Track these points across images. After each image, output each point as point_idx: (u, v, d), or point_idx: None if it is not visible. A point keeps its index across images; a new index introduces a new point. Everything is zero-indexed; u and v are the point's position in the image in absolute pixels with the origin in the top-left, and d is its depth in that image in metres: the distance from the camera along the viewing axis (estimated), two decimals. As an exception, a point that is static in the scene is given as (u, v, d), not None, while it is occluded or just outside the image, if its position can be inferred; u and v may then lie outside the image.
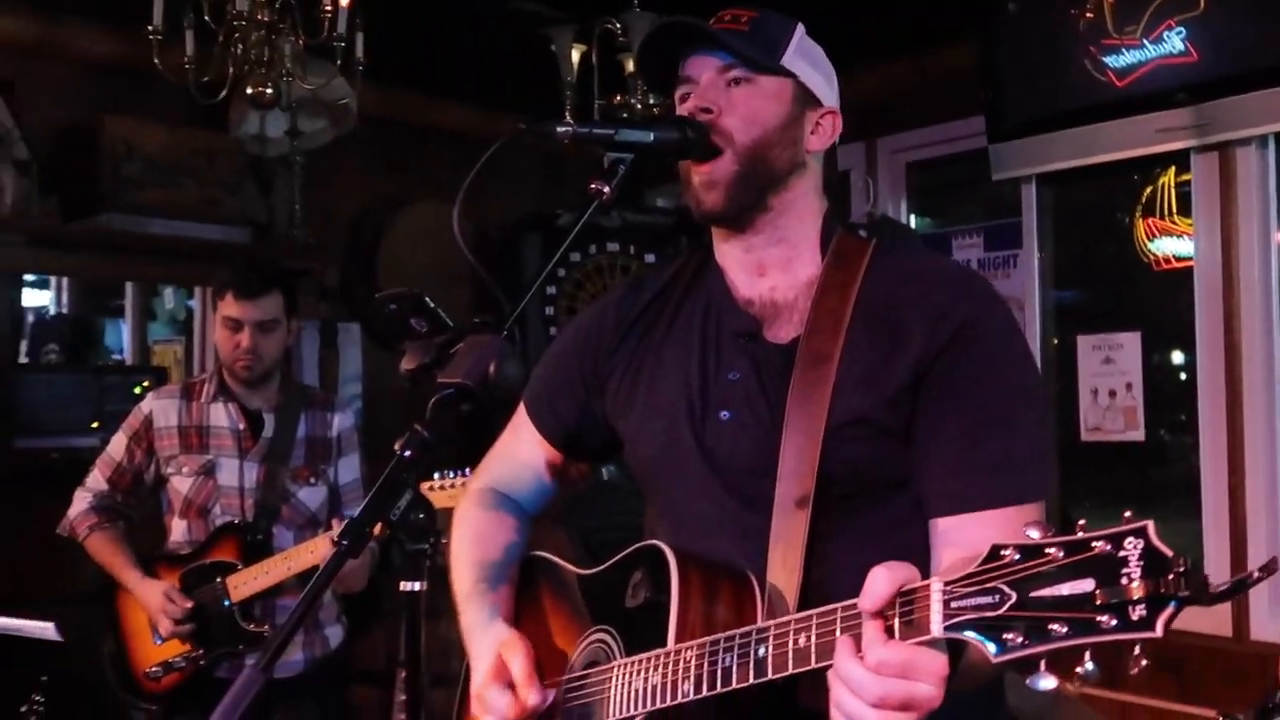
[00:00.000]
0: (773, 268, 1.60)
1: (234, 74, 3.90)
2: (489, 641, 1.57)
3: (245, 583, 3.05)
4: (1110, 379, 4.06)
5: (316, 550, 2.98)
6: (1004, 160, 4.16)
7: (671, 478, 1.60)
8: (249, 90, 3.91)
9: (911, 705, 1.12)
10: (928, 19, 4.25)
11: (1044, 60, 4.02)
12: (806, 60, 1.60)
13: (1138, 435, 4.00)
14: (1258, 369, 3.68)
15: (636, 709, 1.39)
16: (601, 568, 1.59)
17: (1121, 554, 0.98)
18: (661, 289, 1.71)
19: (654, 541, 1.47)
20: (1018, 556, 1.04)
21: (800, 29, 1.61)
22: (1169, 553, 0.96)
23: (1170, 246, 4.13)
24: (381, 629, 4.29)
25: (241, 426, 3.18)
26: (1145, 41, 3.78)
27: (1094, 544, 0.99)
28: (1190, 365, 3.91)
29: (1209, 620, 3.63)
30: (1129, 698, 3.62)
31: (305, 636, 3.19)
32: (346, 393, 4.71)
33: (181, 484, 3.15)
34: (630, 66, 4.28)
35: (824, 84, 1.61)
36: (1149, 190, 4.20)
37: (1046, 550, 1.02)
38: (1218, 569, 3.60)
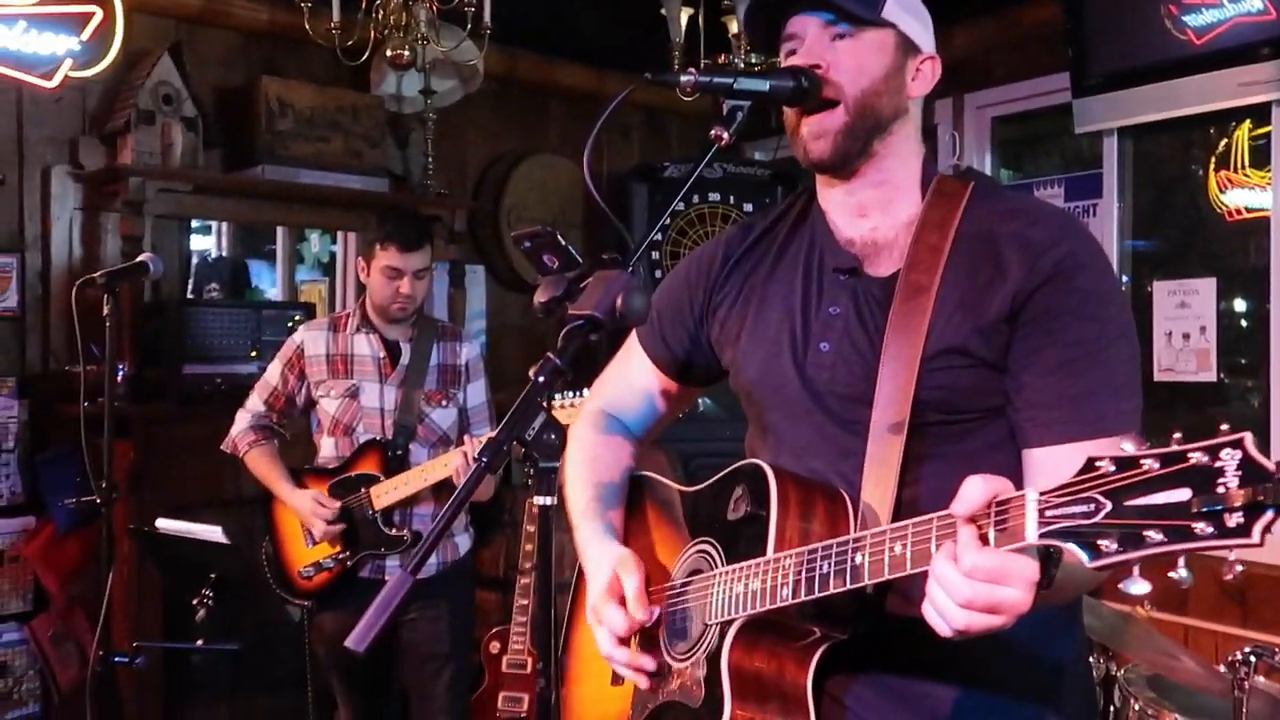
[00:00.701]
0: (873, 209, 1.57)
1: (375, 38, 3.93)
2: (606, 558, 1.58)
3: (386, 493, 3.14)
4: (1185, 323, 3.93)
5: (449, 464, 3.04)
6: (1087, 114, 4.02)
7: (774, 403, 1.58)
8: (388, 53, 3.95)
9: (999, 609, 1.11)
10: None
11: (1126, 18, 3.87)
12: (905, 9, 1.54)
13: (1210, 376, 3.88)
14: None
15: (737, 611, 1.40)
16: (704, 485, 1.59)
17: (1218, 464, 0.93)
18: (768, 228, 1.69)
19: (754, 460, 1.46)
20: (1113, 468, 1.00)
21: None
22: (1267, 463, 0.92)
23: (1242, 199, 3.97)
24: (502, 539, 4.37)
25: (382, 355, 3.25)
26: (1225, 1, 3.61)
27: (1190, 455, 0.95)
28: (1259, 312, 3.76)
29: (1273, 552, 3.51)
30: (1194, 621, 3.54)
31: (440, 543, 3.26)
32: (472, 327, 4.76)
33: (330, 405, 3.23)
34: (734, 28, 4.22)
35: (921, 31, 1.56)
36: (1223, 144, 4.03)
37: (1142, 462, 0.98)
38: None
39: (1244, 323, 3.98)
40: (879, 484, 1.43)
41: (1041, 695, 1.48)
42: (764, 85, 1.49)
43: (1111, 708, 2.65)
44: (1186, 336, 3.91)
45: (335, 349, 3.27)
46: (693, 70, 1.48)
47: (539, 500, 1.35)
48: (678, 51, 4.19)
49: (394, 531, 3.16)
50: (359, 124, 4.28)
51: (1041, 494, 1.05)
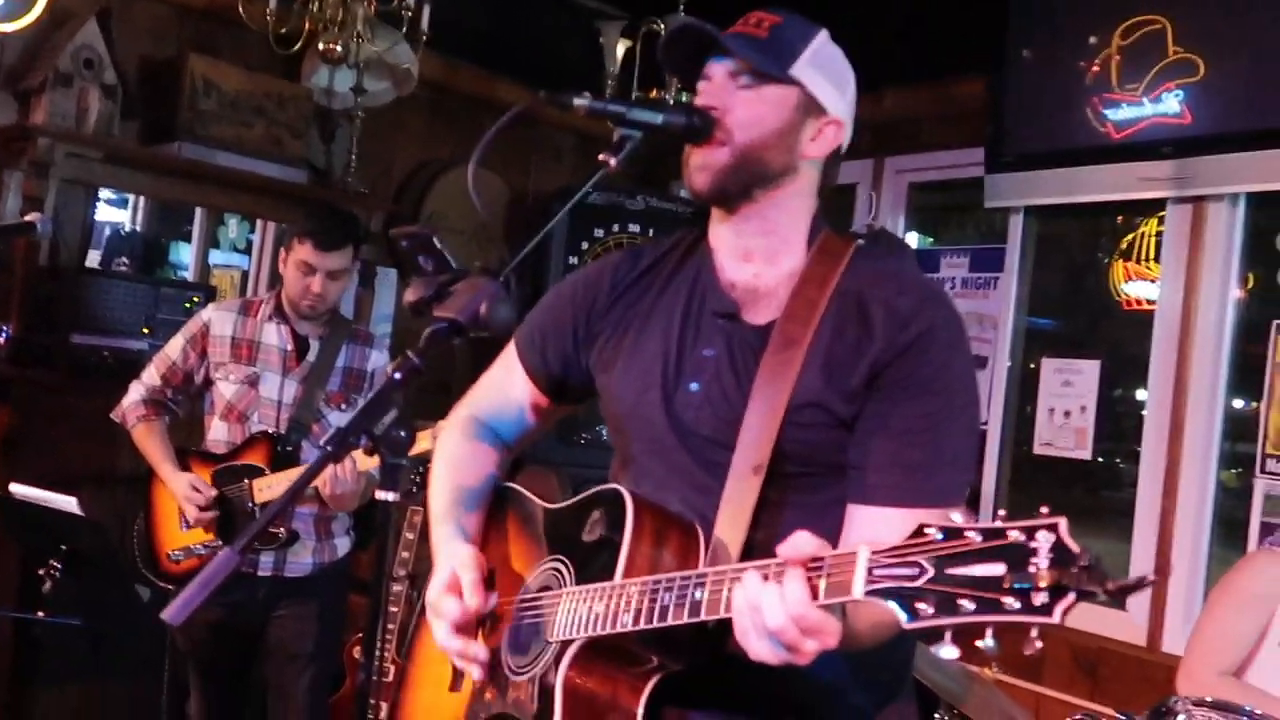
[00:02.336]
0: (758, 255, 1.60)
1: (310, 29, 3.91)
2: (449, 558, 1.60)
3: (269, 486, 3.09)
4: (1067, 400, 4.04)
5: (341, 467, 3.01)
6: (997, 190, 4.14)
7: (639, 436, 1.61)
8: (321, 46, 3.93)
9: (796, 652, 1.18)
10: (948, 51, 4.21)
11: (1050, 103, 3.99)
12: (820, 70, 1.57)
13: (1085, 454, 3.99)
14: (1201, 409, 3.67)
15: (578, 632, 1.41)
16: (565, 504, 1.60)
17: (1033, 544, 0.99)
18: (657, 260, 1.71)
19: (616, 486, 1.48)
20: (940, 536, 1.06)
21: (821, 37, 1.59)
22: (1076, 548, 0.98)
23: (1141, 290, 4.10)
24: (378, 542, 4.31)
25: (289, 347, 3.21)
26: (1145, 100, 3.75)
27: (1009, 533, 1.01)
28: (1141, 399, 3.89)
29: (1127, 630, 3.63)
30: (1044, 690, 3.62)
31: (317, 544, 3.23)
32: (377, 331, 4.71)
33: (226, 389, 3.18)
34: (669, 65, 4.27)
35: (834, 94, 1.58)
36: (1130, 235, 4.17)
37: (966, 533, 1.04)
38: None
39: (1128, 408, 4.10)
40: (732, 523, 1.46)
41: None
42: (657, 118, 1.51)
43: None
44: (1067, 414, 4.02)
45: (242, 333, 3.22)
46: (587, 94, 1.50)
47: (380, 495, 1.35)
48: (611, 80, 4.23)
49: (271, 527, 3.08)
50: (284, 113, 4.23)
51: (874, 553, 1.10)
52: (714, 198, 1.58)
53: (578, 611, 1.41)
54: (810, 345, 1.49)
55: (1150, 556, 3.66)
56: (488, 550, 1.66)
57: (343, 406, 3.23)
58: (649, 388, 1.59)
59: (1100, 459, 4.07)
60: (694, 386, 1.56)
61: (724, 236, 1.63)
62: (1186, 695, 2.43)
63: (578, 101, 1.48)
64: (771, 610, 1.16)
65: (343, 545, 3.32)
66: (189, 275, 5.64)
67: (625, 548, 1.40)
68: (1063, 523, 0.99)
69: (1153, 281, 4.05)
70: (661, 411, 1.57)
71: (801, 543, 1.18)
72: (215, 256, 5.91)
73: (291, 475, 3.07)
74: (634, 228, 4.95)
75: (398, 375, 1.32)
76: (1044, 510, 1.01)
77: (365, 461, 2.98)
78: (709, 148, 1.54)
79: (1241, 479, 3.68)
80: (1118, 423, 4.08)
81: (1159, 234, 4.05)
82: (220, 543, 3.11)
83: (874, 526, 1.42)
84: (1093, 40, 3.90)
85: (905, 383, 1.46)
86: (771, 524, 1.47)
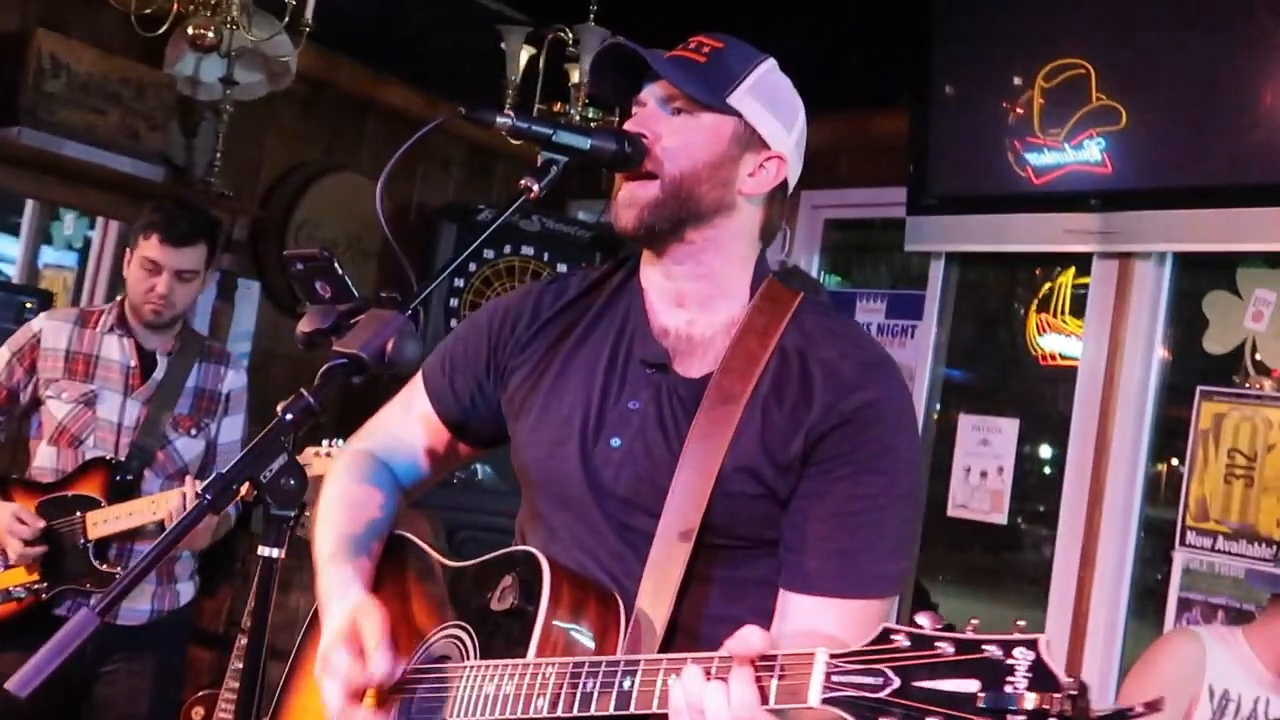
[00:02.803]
0: (692, 302, 1.58)
1: (177, 11, 3.78)
2: (344, 605, 1.52)
3: (106, 521, 2.94)
4: (984, 460, 4.13)
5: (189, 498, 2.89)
6: (919, 233, 4.22)
7: (552, 491, 1.57)
8: (190, 30, 3.80)
9: None
10: (871, 82, 4.29)
11: (971, 144, 4.09)
12: (762, 100, 1.55)
13: (1000, 518, 4.08)
14: (1122, 472, 3.78)
15: (483, 714, 1.35)
16: (470, 563, 1.56)
17: (1010, 662, 0.98)
18: (583, 293, 1.67)
19: (530, 549, 1.43)
20: (907, 643, 1.04)
21: (766, 65, 1.57)
22: (1059, 672, 0.97)
23: (1057, 344, 4.22)
24: (228, 591, 4.16)
25: (133, 363, 3.08)
26: (1066, 145, 3.87)
27: (985, 647, 1.00)
28: (1058, 460, 3.99)
29: None
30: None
31: (157, 588, 3.09)
32: (235, 349, 4.56)
33: (58, 409, 3.03)
34: (575, 77, 4.26)
35: (777, 127, 1.57)
36: (1047, 287, 4.29)
37: (937, 643, 1.02)
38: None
39: (1045, 469, 4.21)
40: (656, 596, 1.43)
41: None
42: (585, 142, 1.49)
43: None
44: (984, 474, 4.11)
45: (79, 346, 3.07)
46: (511, 113, 1.48)
47: (264, 551, 1.28)
48: (512, 90, 4.20)
49: (105, 567, 2.95)
50: (143, 101, 4.09)
51: (832, 656, 1.08)
52: (642, 237, 1.55)
53: (483, 690, 1.36)
54: (748, 404, 1.48)
55: (1066, 625, 3.75)
56: None
57: (192, 432, 3.11)
58: (565, 440, 1.55)
59: (1020, 522, 4.17)
60: (616, 442, 1.52)
61: (654, 278, 1.60)
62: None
63: (500, 120, 1.44)
64: (715, 712, 1.13)
65: (186, 591, 3.19)
66: (13, 276, 5.40)
67: (540, 621, 1.36)
68: (1043, 640, 0.99)
69: (1067, 336, 4.18)
70: (578, 467, 1.53)
71: (751, 637, 1.14)
72: (46, 255, 5.68)
73: (132, 509, 2.94)
74: (527, 250, 4.92)
75: (289, 416, 1.27)
76: (1020, 624, 1.00)
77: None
78: (637, 181, 1.53)
79: (1157, 547, 3.80)
80: (1031, 482, 4.18)
81: (1076, 287, 4.18)
82: (45, 584, 2.94)
83: (810, 617, 1.41)
84: (1017, 81, 4.02)
85: (845, 459, 1.44)
86: (695, 600, 1.45)
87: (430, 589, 1.60)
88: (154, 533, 3.01)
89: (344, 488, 1.70)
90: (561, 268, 4.92)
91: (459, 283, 4.85)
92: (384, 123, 5.05)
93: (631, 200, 1.52)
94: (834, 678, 1.07)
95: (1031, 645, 0.98)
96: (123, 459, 3.02)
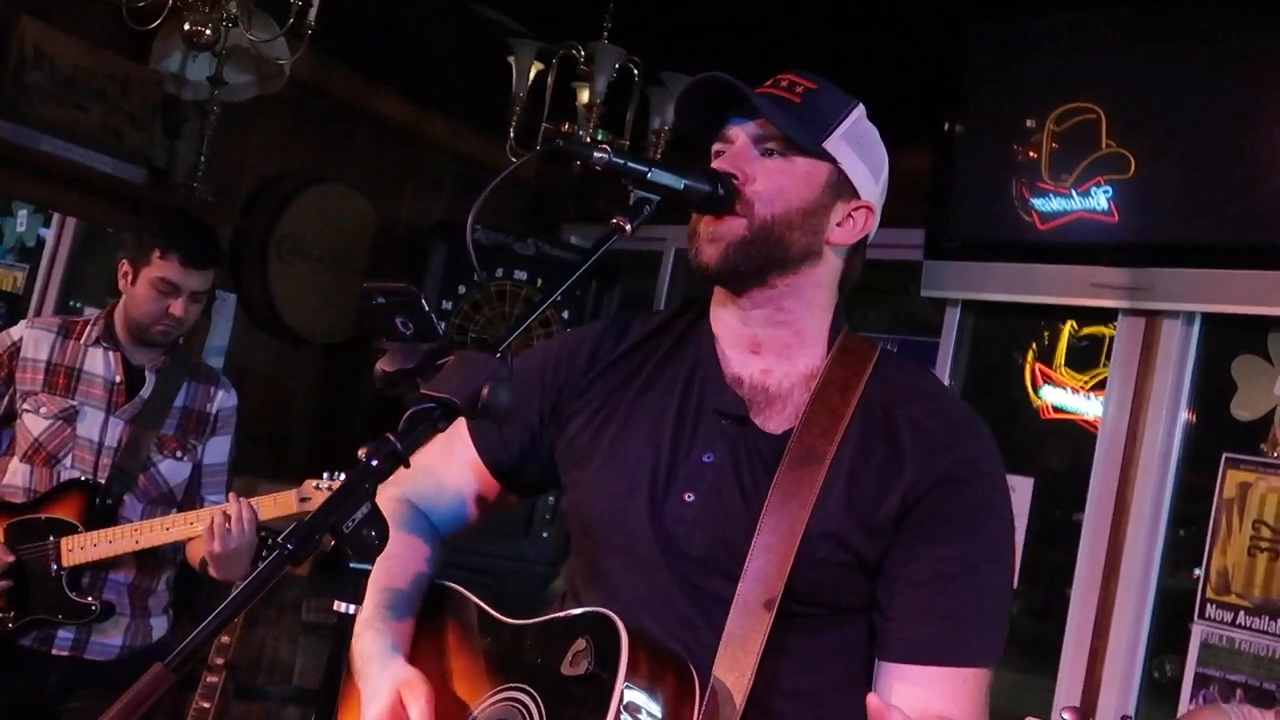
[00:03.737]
0: (769, 350, 1.57)
1: (172, 5, 3.75)
2: (388, 678, 1.49)
3: (82, 548, 2.88)
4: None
5: (173, 528, 2.83)
6: (936, 278, 4.24)
7: (615, 547, 1.55)
8: (185, 26, 3.77)
9: None
10: (893, 120, 4.31)
11: (985, 188, 4.13)
12: (855, 146, 1.57)
13: (1011, 580, 4.08)
14: (1141, 538, 3.79)
15: (554, 783, 1.33)
16: (533, 621, 1.53)
17: None
18: (646, 337, 1.66)
19: (605, 611, 1.41)
20: None
21: (859, 112, 1.59)
22: None
23: (1054, 397, 4.25)
24: (191, 625, 4.10)
25: (118, 379, 3.02)
26: (1074, 192, 3.93)
27: None
28: (1065, 520, 4.01)
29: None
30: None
31: (131, 621, 3.03)
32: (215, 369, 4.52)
33: (35, 424, 2.96)
34: (584, 97, 4.26)
35: (867, 175, 1.58)
36: (1046, 336, 4.32)
37: None
38: None
39: (1042, 529, 4.21)
40: (734, 668, 1.41)
41: None
42: (680, 183, 1.49)
43: None
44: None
45: (61, 358, 3.01)
46: (607, 147, 1.47)
47: (339, 606, 1.25)
48: (519, 107, 4.19)
49: (79, 597, 2.88)
50: (128, 99, 4.05)
51: None
52: (724, 275, 1.55)
53: None
54: (833, 465, 1.47)
55: (1076, 697, 3.76)
56: (420, 661, 1.56)
57: (179, 454, 3.05)
58: (633, 491, 1.53)
59: (1031, 586, 4.18)
60: (690, 497, 1.51)
61: (728, 323, 1.60)
62: None
63: (598, 155, 1.44)
64: None
65: (159, 626, 3.13)
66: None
67: (618, 690, 1.33)
68: None
69: (1063, 388, 4.20)
70: (646, 522, 1.51)
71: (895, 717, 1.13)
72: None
73: (113, 536, 2.88)
74: (520, 274, 4.90)
75: (374, 461, 1.24)
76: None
77: (268, 508, 2.82)
78: (724, 217, 1.52)
79: (1174, 618, 3.82)
80: (1047, 542, 4.18)
81: (1075, 339, 4.22)
82: (12, 614, 2.87)
83: (919, 688, 1.40)
84: (1029, 123, 4.08)
85: (943, 521, 1.45)
86: (769, 671, 1.43)
87: (484, 646, 1.57)
88: (132, 562, 2.96)
89: None
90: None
91: (447, 305, 4.82)
92: (375, 133, 5.02)
93: (717, 235, 1.52)
94: None
95: None
96: (102, 481, 2.95)
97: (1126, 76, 3.86)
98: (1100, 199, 3.87)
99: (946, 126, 4.21)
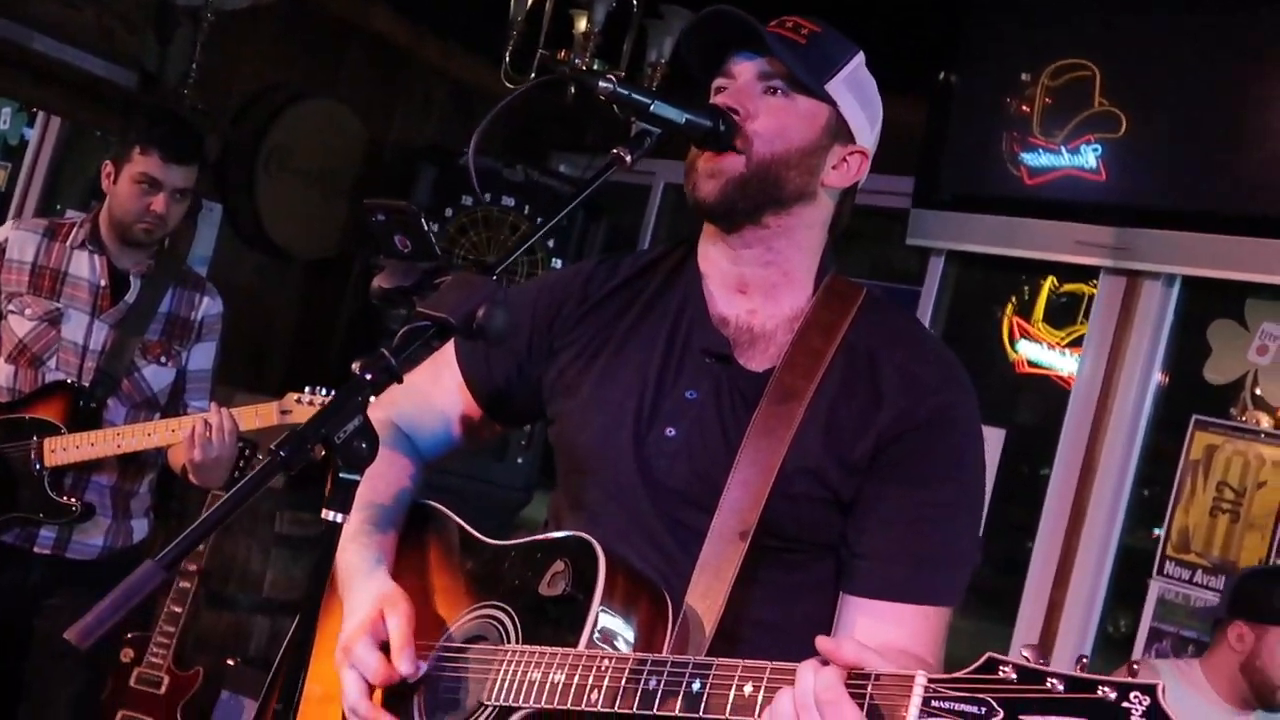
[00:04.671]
0: (756, 290, 1.59)
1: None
2: (370, 591, 1.53)
3: (65, 449, 2.90)
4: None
5: (153, 434, 2.85)
6: (923, 227, 4.26)
7: (599, 478, 1.58)
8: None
9: None
10: (890, 68, 4.30)
11: (976, 140, 4.14)
12: (854, 92, 1.59)
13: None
14: (1108, 494, 3.86)
15: (527, 700, 1.36)
16: (514, 542, 1.56)
17: (1125, 705, 1.00)
18: (637, 274, 1.68)
19: (585, 536, 1.44)
20: (1014, 676, 1.06)
21: (859, 59, 1.60)
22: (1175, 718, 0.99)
23: (1031, 352, 4.28)
24: (162, 532, 4.12)
25: (103, 283, 3.02)
26: (1063, 149, 3.94)
27: (1100, 688, 1.01)
28: (1033, 475, 4.06)
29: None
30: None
31: (112, 523, 3.06)
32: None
33: (19, 325, 2.97)
34: (582, 25, 4.23)
35: (864, 122, 1.60)
36: (1026, 291, 4.35)
37: (1048, 679, 1.04)
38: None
39: (1009, 481, 4.27)
40: (707, 596, 1.44)
41: None
42: (680, 117, 1.50)
43: None
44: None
45: (46, 260, 3.01)
46: (613, 77, 1.47)
47: (327, 515, 1.28)
48: (515, 32, 4.16)
49: (61, 497, 2.90)
50: (122, 1, 4.00)
51: (931, 680, 1.09)
52: (721, 211, 1.56)
53: (528, 675, 1.37)
54: (811, 402, 1.49)
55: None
56: (402, 577, 1.59)
57: (163, 360, 3.06)
58: (618, 426, 1.56)
59: (996, 536, 4.24)
60: (671, 432, 1.54)
61: (718, 262, 1.62)
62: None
63: (603, 84, 1.44)
64: None
65: (140, 528, 3.15)
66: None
67: (593, 611, 1.37)
68: (1161, 686, 1.01)
69: (1041, 344, 4.24)
70: (630, 456, 1.54)
71: (845, 652, 1.16)
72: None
73: (95, 439, 2.90)
74: (508, 200, 4.88)
75: (368, 375, 1.26)
76: (1136, 665, 1.03)
77: (249, 419, 2.84)
78: (724, 154, 1.53)
79: (1133, 574, 3.90)
80: (1014, 496, 4.24)
81: (1055, 295, 4.25)
82: (-10, 511, 2.90)
83: (879, 623, 1.44)
84: (1024, 76, 4.08)
85: (916, 463, 1.48)
86: (739, 602, 1.46)
87: (464, 565, 1.61)
88: (115, 466, 2.97)
89: None
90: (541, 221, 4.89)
91: (433, 228, 4.80)
92: (368, 50, 4.98)
93: (716, 170, 1.53)
94: (934, 702, 1.09)
95: (1150, 691, 1.01)
96: (86, 384, 2.96)
97: (1122, 36, 3.87)
98: (1089, 157, 3.89)
99: (942, 77, 4.21)
